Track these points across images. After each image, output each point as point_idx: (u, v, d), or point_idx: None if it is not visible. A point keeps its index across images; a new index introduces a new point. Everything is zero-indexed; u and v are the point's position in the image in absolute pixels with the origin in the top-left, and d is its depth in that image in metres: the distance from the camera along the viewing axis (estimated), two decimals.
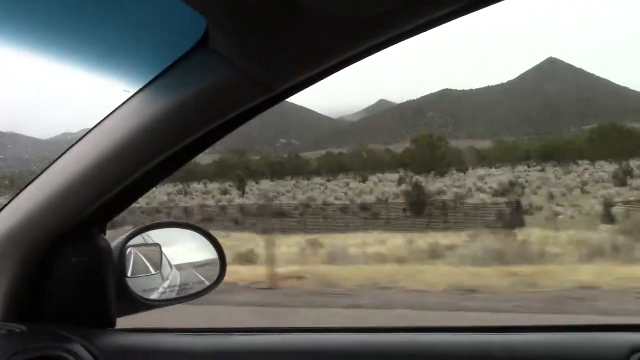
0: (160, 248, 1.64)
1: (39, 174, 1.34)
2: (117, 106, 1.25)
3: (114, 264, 1.45)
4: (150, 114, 1.19)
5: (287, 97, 1.23)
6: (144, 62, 1.21)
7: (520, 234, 17.13)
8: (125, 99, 1.24)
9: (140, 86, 1.22)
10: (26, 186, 1.36)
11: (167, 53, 1.16)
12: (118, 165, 1.25)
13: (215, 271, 1.64)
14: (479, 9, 1.02)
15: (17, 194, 1.37)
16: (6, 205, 1.37)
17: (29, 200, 1.32)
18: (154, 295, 1.58)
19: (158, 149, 1.23)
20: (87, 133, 1.29)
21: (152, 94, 1.21)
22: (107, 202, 1.33)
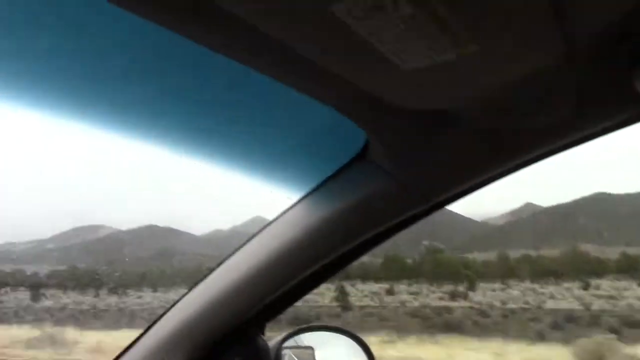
0: (313, 352, 1.66)
1: (207, 275, 1.43)
2: (279, 213, 1.33)
3: None
4: (312, 221, 1.26)
5: (442, 207, 1.24)
6: (307, 171, 1.29)
7: None
8: (288, 206, 1.32)
9: (302, 194, 1.29)
10: (195, 285, 1.46)
11: (328, 163, 1.24)
12: (280, 269, 1.31)
13: None
14: None
15: (186, 293, 1.47)
16: (177, 302, 1.47)
17: (198, 300, 1.41)
18: None
19: (318, 255, 1.29)
20: (250, 238, 1.38)
21: (313, 203, 1.28)
22: (268, 304, 1.38)
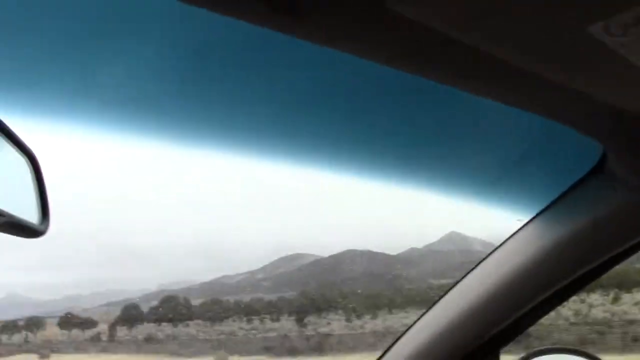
0: None
1: (438, 300, 1.45)
2: (510, 234, 1.31)
3: None
4: (545, 242, 1.22)
5: None
6: (537, 191, 1.26)
7: None
8: (518, 227, 1.30)
9: (533, 214, 1.26)
10: (423, 314, 1.48)
11: (560, 180, 1.19)
12: (514, 294, 1.28)
13: None
14: None
15: (417, 320, 1.50)
16: (409, 328, 1.50)
17: (431, 326, 1.43)
18: None
19: (554, 279, 1.24)
20: (485, 259, 1.37)
21: (546, 222, 1.24)
22: (503, 329, 1.36)
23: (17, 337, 11.52)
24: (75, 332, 11.58)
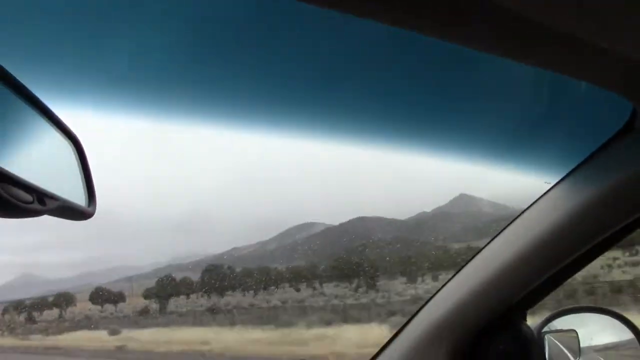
0: (577, 335, 1.60)
1: (463, 266, 1.46)
2: (536, 198, 1.31)
3: (534, 352, 1.47)
4: (575, 203, 1.22)
5: None
6: (564, 152, 1.25)
7: None
8: (545, 190, 1.30)
9: (561, 176, 1.26)
10: (452, 277, 1.49)
11: (588, 141, 1.19)
12: (544, 255, 1.29)
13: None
14: None
15: (443, 285, 1.51)
16: (438, 291, 1.52)
17: (457, 291, 1.45)
18: None
19: (583, 239, 1.24)
20: (508, 225, 1.37)
21: (574, 183, 1.23)
22: (530, 290, 1.37)
23: (52, 313, 11.55)
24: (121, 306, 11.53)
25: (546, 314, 1.59)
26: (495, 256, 1.37)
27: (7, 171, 0.50)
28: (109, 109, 1.13)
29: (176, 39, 1.02)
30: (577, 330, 1.59)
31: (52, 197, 0.57)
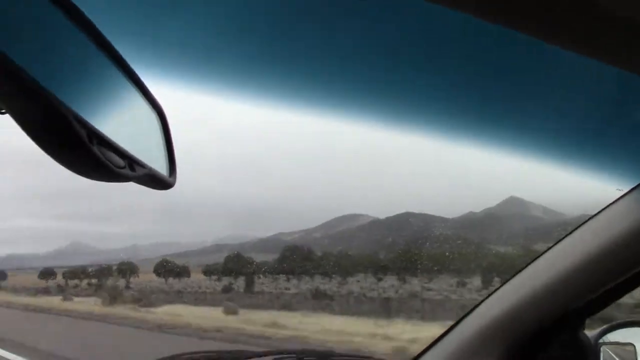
0: (635, 349, 1.55)
1: (523, 268, 1.43)
2: (607, 204, 1.27)
3: None
4: None
5: None
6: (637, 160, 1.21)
7: None
8: (617, 197, 1.25)
9: (634, 185, 1.21)
10: (509, 279, 1.46)
11: None
12: (608, 264, 1.25)
13: None
14: None
15: (501, 285, 1.48)
16: (494, 292, 1.49)
17: (515, 293, 1.42)
18: None
19: None
20: (573, 230, 1.33)
21: None
22: (592, 299, 1.33)
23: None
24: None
25: (603, 325, 1.55)
26: (559, 260, 1.34)
27: (104, 135, 0.51)
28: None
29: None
30: (636, 345, 1.55)
31: (141, 164, 0.58)
